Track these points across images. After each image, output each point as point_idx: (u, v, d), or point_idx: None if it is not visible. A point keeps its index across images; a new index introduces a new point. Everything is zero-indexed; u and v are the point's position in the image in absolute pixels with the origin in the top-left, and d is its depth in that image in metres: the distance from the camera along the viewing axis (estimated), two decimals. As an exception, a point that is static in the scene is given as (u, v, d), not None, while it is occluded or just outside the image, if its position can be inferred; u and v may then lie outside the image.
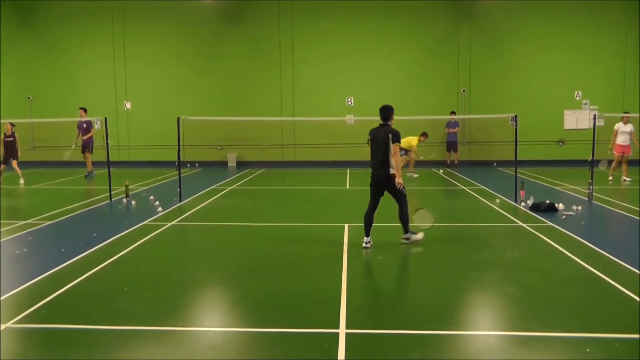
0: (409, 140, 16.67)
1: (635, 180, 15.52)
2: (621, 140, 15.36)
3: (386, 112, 8.08)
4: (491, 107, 20.53)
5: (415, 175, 17.05)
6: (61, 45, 22.45)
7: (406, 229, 8.21)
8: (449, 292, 6.16)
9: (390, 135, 7.84)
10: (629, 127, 15.29)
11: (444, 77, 21.41)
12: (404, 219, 8.13)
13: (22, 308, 5.54)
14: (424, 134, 17.37)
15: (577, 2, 20.71)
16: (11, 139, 15.81)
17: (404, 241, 8.23)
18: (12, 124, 16.00)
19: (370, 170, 8.09)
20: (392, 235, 9.30)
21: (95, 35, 22.21)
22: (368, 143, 8.10)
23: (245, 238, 9.14)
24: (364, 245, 7.96)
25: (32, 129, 22.43)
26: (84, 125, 17.20)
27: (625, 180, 15.26)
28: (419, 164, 20.99)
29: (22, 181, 15.91)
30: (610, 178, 15.60)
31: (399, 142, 7.92)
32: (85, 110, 17.27)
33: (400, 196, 8.02)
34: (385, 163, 7.86)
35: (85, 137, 17.25)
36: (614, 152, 15.48)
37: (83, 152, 17.42)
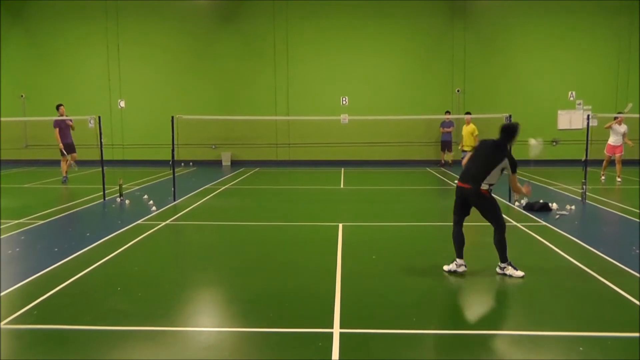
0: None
1: (634, 180, 15.57)
2: (613, 140, 15.38)
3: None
4: (485, 107, 20.55)
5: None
6: (54, 43, 22.34)
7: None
8: (443, 292, 6.16)
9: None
10: (623, 128, 15.24)
11: (438, 76, 21.44)
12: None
13: (14, 308, 5.50)
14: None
15: (571, 2, 20.77)
16: None
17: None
18: None
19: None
20: (386, 234, 9.30)
21: (89, 34, 22.09)
22: None
23: (239, 237, 9.12)
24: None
25: (25, 127, 22.32)
26: (69, 123, 15.77)
27: (619, 180, 15.32)
28: (416, 163, 21.02)
29: None
30: (603, 177, 15.65)
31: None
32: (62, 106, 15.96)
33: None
34: None
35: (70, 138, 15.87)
36: (605, 152, 15.54)
37: (70, 152, 15.86)
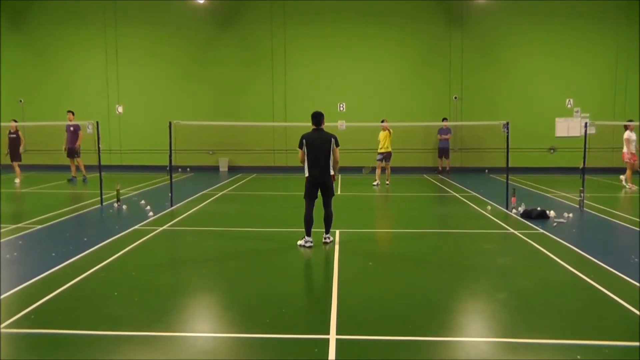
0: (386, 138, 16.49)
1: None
2: (634, 147, 15.44)
3: (322, 117, 8.82)
4: (483, 114, 20.61)
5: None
6: (53, 48, 22.38)
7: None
8: (440, 298, 6.16)
9: (333, 140, 8.56)
10: (635, 135, 15.49)
11: (435, 83, 21.48)
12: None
13: (11, 312, 5.49)
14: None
15: (569, 9, 20.86)
16: (14, 135, 16.32)
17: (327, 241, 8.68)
18: (15, 121, 16.58)
19: (310, 173, 8.65)
20: (384, 241, 9.31)
21: (88, 39, 22.15)
22: (302, 147, 8.62)
23: (236, 243, 9.11)
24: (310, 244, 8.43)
25: (23, 132, 22.11)
26: (71, 129, 16.79)
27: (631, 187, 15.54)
28: (414, 169, 21.03)
29: (17, 180, 16.20)
30: (634, 187, 15.55)
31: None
32: (72, 113, 17.05)
33: (331, 195, 8.71)
34: (329, 165, 8.56)
35: (78, 143, 16.84)
36: (631, 161, 15.43)
37: (71, 156, 17.01)
